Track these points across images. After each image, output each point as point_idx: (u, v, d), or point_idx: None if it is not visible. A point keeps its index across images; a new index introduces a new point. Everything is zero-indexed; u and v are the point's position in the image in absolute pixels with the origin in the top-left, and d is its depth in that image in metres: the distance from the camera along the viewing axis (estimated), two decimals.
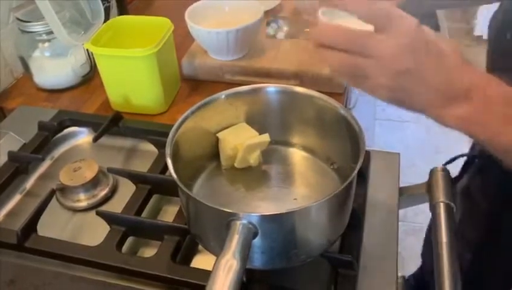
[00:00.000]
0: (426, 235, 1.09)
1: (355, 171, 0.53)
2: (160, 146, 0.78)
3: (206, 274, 0.47)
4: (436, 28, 3.11)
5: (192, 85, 1.00)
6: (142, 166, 0.76)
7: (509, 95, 0.48)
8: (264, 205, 0.64)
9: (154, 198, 0.73)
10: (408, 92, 0.49)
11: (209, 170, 0.68)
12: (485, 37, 2.92)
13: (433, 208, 0.67)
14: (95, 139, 0.80)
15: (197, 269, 0.61)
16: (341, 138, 0.62)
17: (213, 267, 0.46)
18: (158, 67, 0.86)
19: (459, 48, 0.50)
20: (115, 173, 0.75)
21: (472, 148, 0.87)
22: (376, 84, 0.49)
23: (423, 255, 1.13)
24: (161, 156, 0.76)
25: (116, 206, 0.71)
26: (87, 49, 0.98)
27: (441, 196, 0.67)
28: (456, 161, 0.73)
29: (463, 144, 0.94)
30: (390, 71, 0.48)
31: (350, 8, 0.49)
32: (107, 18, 1.00)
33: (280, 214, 0.50)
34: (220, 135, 0.67)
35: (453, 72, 0.49)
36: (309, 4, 1.07)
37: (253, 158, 0.66)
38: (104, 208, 0.73)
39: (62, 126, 0.85)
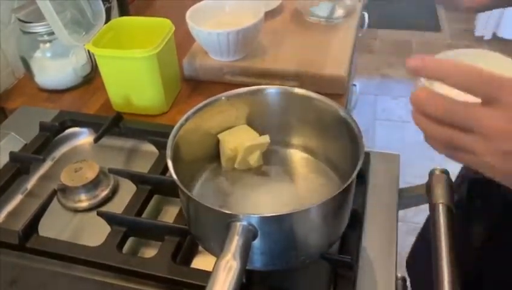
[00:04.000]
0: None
1: (355, 173, 0.53)
2: (161, 147, 0.78)
3: (206, 275, 0.48)
4: (437, 28, 3.11)
5: (193, 86, 1.00)
6: (142, 167, 0.77)
7: None
8: (264, 206, 0.64)
9: (155, 199, 0.73)
10: None
11: (209, 171, 0.68)
12: (486, 37, 2.94)
13: (433, 210, 0.67)
14: (96, 140, 0.80)
15: (197, 269, 0.62)
16: (341, 139, 0.62)
17: (213, 268, 0.46)
18: (159, 68, 0.86)
19: None
20: (115, 173, 0.75)
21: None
22: (481, 162, 0.43)
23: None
24: (162, 157, 0.76)
25: (117, 206, 0.72)
26: (88, 50, 0.98)
27: (440, 197, 0.67)
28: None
29: None
30: (498, 151, 0.41)
31: (435, 75, 0.43)
32: (108, 19, 1.00)
33: (280, 215, 0.51)
34: (220, 136, 0.68)
35: None
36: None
37: (253, 159, 0.67)
38: (105, 208, 0.73)
39: (63, 127, 0.86)
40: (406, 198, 0.75)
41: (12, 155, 0.78)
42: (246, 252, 0.48)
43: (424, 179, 0.75)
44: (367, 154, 0.78)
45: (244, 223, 0.49)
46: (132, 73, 0.87)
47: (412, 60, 0.43)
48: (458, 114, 0.42)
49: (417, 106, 0.45)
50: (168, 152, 0.58)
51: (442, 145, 0.46)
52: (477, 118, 0.41)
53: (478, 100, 0.42)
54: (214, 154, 0.68)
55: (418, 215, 1.81)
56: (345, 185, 0.53)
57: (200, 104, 0.65)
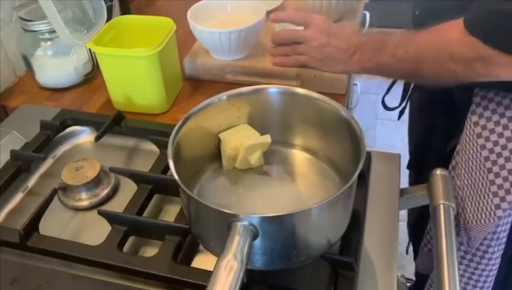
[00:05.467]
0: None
1: (356, 174, 0.53)
2: (162, 146, 0.78)
3: (207, 274, 0.48)
4: None
5: (194, 85, 1.00)
6: (143, 165, 0.77)
7: (375, 38, 0.80)
8: (264, 206, 0.64)
9: (156, 198, 0.73)
10: (328, 57, 0.84)
11: (210, 170, 0.68)
12: None
13: (433, 210, 0.67)
14: (97, 139, 0.80)
15: (198, 269, 0.62)
16: (342, 139, 0.62)
17: (214, 268, 0.46)
18: (160, 67, 0.86)
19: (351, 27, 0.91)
20: (116, 172, 0.75)
21: None
22: (309, 57, 0.86)
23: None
24: (163, 156, 0.76)
25: (118, 205, 0.72)
26: (89, 49, 0.98)
27: (441, 197, 0.67)
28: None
29: None
30: (315, 47, 0.84)
31: (284, 20, 0.89)
32: (109, 17, 1.00)
33: (281, 215, 0.51)
34: (221, 135, 0.68)
35: (349, 38, 0.81)
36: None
37: (254, 159, 0.67)
38: (106, 207, 0.73)
39: (64, 125, 0.86)
40: (407, 198, 0.75)
41: (13, 153, 0.78)
42: (247, 252, 0.48)
43: None
44: (368, 154, 0.78)
45: (245, 223, 0.49)
46: (133, 72, 0.87)
47: (273, 14, 0.89)
48: (294, 35, 0.87)
49: (274, 40, 0.90)
50: (169, 151, 0.58)
51: (290, 54, 0.89)
52: (301, 34, 0.85)
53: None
54: (215, 154, 0.68)
55: None
56: (346, 186, 0.53)
57: (202, 104, 0.65)
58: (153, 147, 0.80)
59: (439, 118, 0.88)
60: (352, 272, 0.60)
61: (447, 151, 0.82)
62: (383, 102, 1.00)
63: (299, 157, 0.70)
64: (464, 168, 0.76)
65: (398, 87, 1.00)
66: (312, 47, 0.84)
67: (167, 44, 0.86)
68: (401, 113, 1.04)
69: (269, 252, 0.54)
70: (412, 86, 0.99)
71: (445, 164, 0.82)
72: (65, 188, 0.75)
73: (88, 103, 0.97)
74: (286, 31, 0.88)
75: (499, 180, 0.72)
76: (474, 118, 0.72)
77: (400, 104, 1.02)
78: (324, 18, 0.84)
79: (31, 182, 0.79)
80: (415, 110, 1.02)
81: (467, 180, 0.76)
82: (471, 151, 0.74)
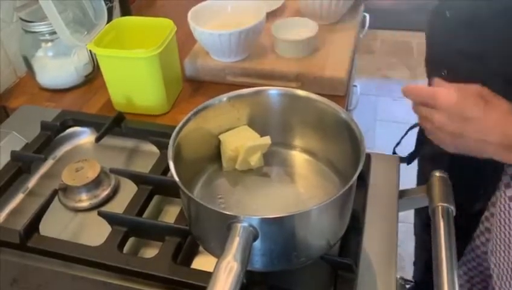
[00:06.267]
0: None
1: (356, 176, 0.53)
2: (162, 147, 0.78)
3: (207, 275, 0.48)
4: None
5: (195, 86, 1.00)
6: (143, 166, 0.77)
7: None
8: (264, 207, 0.64)
9: (156, 199, 0.73)
10: (466, 149, 0.60)
11: (210, 171, 0.68)
12: None
13: (433, 212, 0.67)
14: (98, 140, 0.80)
15: (198, 270, 0.62)
16: (342, 141, 0.63)
17: (214, 269, 0.46)
18: (161, 68, 0.86)
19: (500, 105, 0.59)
20: (116, 173, 0.75)
21: None
22: (438, 139, 0.62)
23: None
24: (163, 157, 0.77)
25: (118, 206, 0.72)
26: (89, 50, 0.98)
27: (440, 199, 0.68)
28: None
29: None
30: (444, 133, 0.60)
31: (413, 92, 0.64)
32: (110, 18, 1.00)
33: (280, 217, 0.51)
34: (221, 136, 0.68)
35: (504, 128, 0.57)
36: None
37: (254, 160, 0.67)
38: (106, 208, 0.73)
39: (65, 126, 0.86)
40: (406, 200, 0.75)
41: (13, 154, 0.78)
42: (246, 253, 0.48)
43: None
44: (367, 156, 0.78)
45: (245, 224, 0.49)
46: (134, 73, 0.88)
47: (405, 88, 0.64)
48: (421, 112, 0.63)
49: (413, 99, 0.65)
50: (169, 152, 0.58)
51: (424, 122, 0.64)
52: (429, 114, 0.61)
53: None
54: (215, 155, 0.69)
55: None
56: (346, 188, 0.53)
57: (202, 105, 0.65)
58: (153, 148, 0.81)
59: (460, 175, 0.76)
60: (351, 273, 0.60)
61: (473, 213, 0.72)
62: (394, 153, 0.85)
63: (299, 158, 0.70)
64: (500, 245, 0.67)
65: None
66: (440, 132, 0.62)
67: (167, 45, 0.87)
68: (410, 160, 0.90)
69: (269, 254, 0.54)
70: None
71: (468, 223, 0.73)
72: (65, 189, 0.75)
73: (88, 104, 0.97)
74: (416, 94, 0.64)
75: None
76: (509, 192, 0.64)
77: (414, 153, 0.89)
78: (454, 93, 0.60)
79: (31, 182, 0.79)
80: (426, 160, 0.90)
81: (504, 257, 0.67)
82: (509, 225, 0.65)
